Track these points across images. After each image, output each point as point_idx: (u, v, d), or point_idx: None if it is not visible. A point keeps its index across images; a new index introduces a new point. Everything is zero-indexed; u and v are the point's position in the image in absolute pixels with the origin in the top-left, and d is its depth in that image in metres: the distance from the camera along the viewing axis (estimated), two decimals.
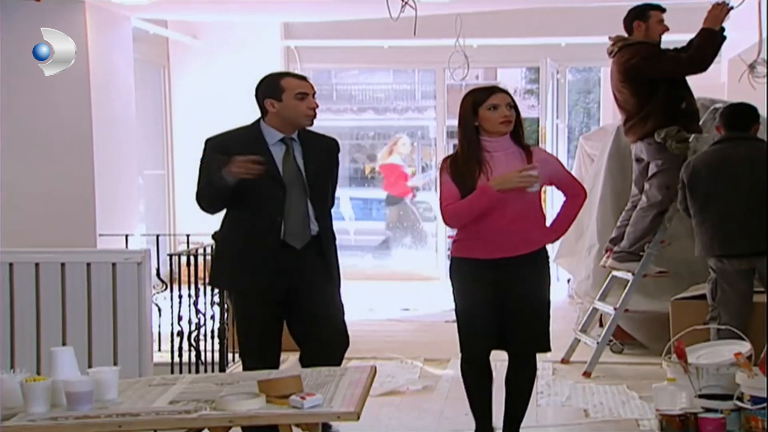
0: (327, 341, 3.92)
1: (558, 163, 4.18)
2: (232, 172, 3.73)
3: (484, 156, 3.90)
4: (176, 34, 9.02)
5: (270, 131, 3.93)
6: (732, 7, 5.55)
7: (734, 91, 6.77)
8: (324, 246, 3.98)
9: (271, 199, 3.84)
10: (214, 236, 4.20)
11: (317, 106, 3.96)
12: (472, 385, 4.06)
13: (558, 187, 4.16)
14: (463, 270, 3.98)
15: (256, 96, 3.98)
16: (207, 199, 3.91)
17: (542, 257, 4.01)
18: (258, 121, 4.00)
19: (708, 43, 5.44)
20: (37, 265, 4.41)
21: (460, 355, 4.05)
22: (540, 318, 3.99)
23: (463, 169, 3.92)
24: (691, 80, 5.65)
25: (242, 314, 4.00)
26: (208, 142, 3.97)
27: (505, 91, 3.94)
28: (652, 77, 5.50)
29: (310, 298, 3.91)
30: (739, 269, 5.01)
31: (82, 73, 6.80)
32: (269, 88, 3.94)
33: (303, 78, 4.05)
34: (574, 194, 4.07)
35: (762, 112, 5.28)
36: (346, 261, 11.19)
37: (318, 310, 3.93)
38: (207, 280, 4.44)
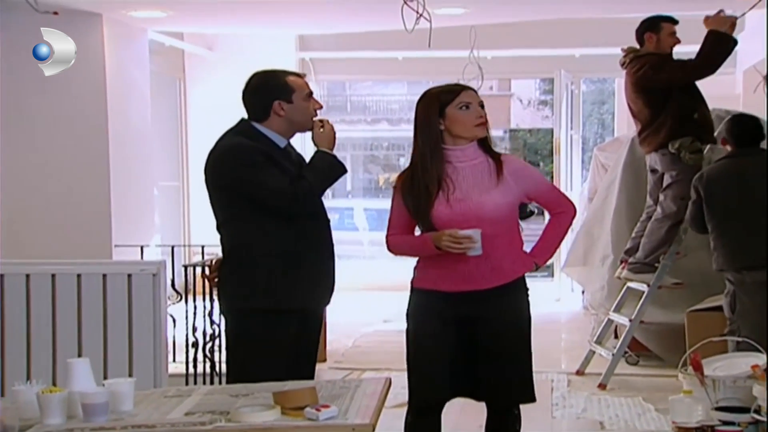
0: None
1: (536, 175, 3.53)
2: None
3: (446, 169, 3.32)
4: (192, 46, 9.07)
5: (276, 137, 3.55)
6: (737, 18, 5.54)
7: (749, 102, 6.76)
8: None
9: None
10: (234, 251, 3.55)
11: (321, 107, 3.62)
12: None
13: (539, 204, 3.56)
14: (422, 304, 3.40)
15: (260, 97, 3.55)
16: (318, 193, 3.52)
17: (517, 289, 3.38)
18: (248, 124, 3.57)
19: (715, 46, 5.39)
20: (53, 276, 4.43)
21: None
22: (519, 362, 3.36)
23: (418, 187, 3.32)
24: (706, 91, 5.64)
25: (287, 336, 3.49)
26: (249, 149, 3.46)
27: (474, 89, 3.39)
28: (662, 86, 5.49)
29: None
30: (758, 280, 4.99)
31: (99, 85, 6.85)
32: (278, 89, 3.54)
33: (302, 75, 3.66)
34: (560, 211, 3.47)
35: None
36: (360, 272, 11.16)
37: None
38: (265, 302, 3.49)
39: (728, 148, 5.22)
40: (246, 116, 3.61)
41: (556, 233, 3.48)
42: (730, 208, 5.04)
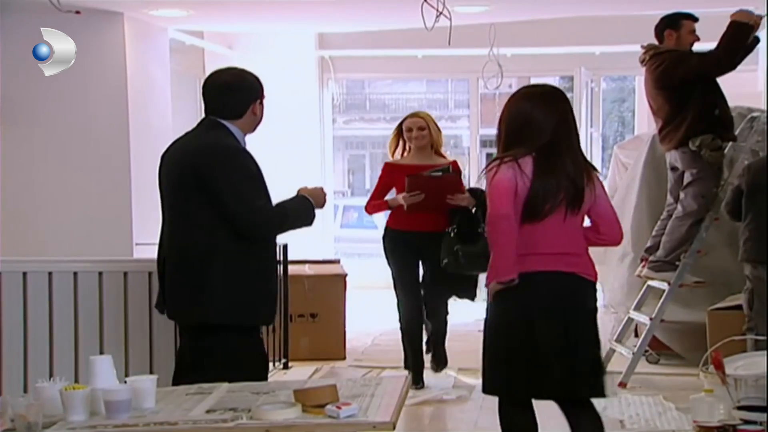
0: None
1: None
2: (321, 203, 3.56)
3: None
4: (212, 44, 9.09)
5: (242, 137, 3.51)
6: (762, 16, 5.50)
7: None
8: None
9: None
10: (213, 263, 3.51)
11: None
12: None
13: None
14: None
15: (240, 95, 3.49)
16: (290, 226, 3.54)
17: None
18: (219, 123, 3.50)
19: (736, 36, 5.34)
20: (75, 274, 4.47)
21: None
22: None
23: None
24: (728, 89, 5.61)
25: (258, 352, 3.59)
26: (241, 152, 3.46)
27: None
28: (683, 79, 5.45)
29: None
30: None
31: (120, 83, 6.88)
32: (256, 89, 3.53)
33: None
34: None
35: None
36: (378, 270, 11.11)
37: None
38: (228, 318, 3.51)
39: None
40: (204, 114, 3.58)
41: None
42: None
